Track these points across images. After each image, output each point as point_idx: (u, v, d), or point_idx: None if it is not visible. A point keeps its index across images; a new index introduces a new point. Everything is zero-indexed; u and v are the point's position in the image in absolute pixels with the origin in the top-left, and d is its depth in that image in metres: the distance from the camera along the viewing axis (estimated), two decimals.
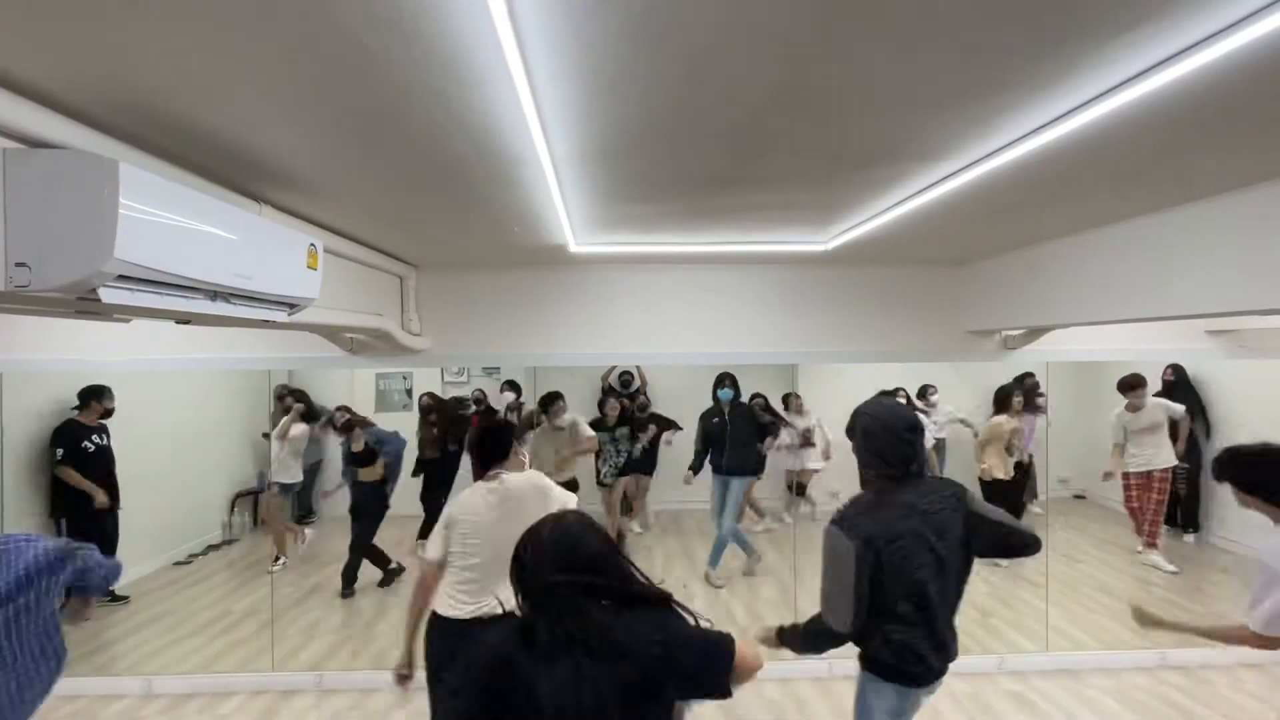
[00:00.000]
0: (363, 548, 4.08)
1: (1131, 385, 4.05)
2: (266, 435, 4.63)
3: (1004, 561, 4.23)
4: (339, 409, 4.22)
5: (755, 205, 2.24)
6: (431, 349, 3.47)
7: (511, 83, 1.18)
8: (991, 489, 4.11)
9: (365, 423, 4.20)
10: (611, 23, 1.00)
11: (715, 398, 4.27)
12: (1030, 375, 4.27)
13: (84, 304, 1.28)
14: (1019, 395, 4.22)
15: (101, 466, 3.67)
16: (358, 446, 4.10)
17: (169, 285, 1.32)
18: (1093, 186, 1.94)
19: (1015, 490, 4.20)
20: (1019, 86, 1.23)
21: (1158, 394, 4.29)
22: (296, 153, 1.59)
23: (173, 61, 1.11)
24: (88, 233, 1.12)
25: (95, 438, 3.66)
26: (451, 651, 2.05)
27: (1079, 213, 2.31)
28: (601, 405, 4.62)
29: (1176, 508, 4.38)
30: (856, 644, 1.81)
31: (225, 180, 1.76)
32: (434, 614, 2.13)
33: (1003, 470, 4.20)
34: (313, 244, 1.87)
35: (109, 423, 3.74)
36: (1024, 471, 4.27)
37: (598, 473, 4.54)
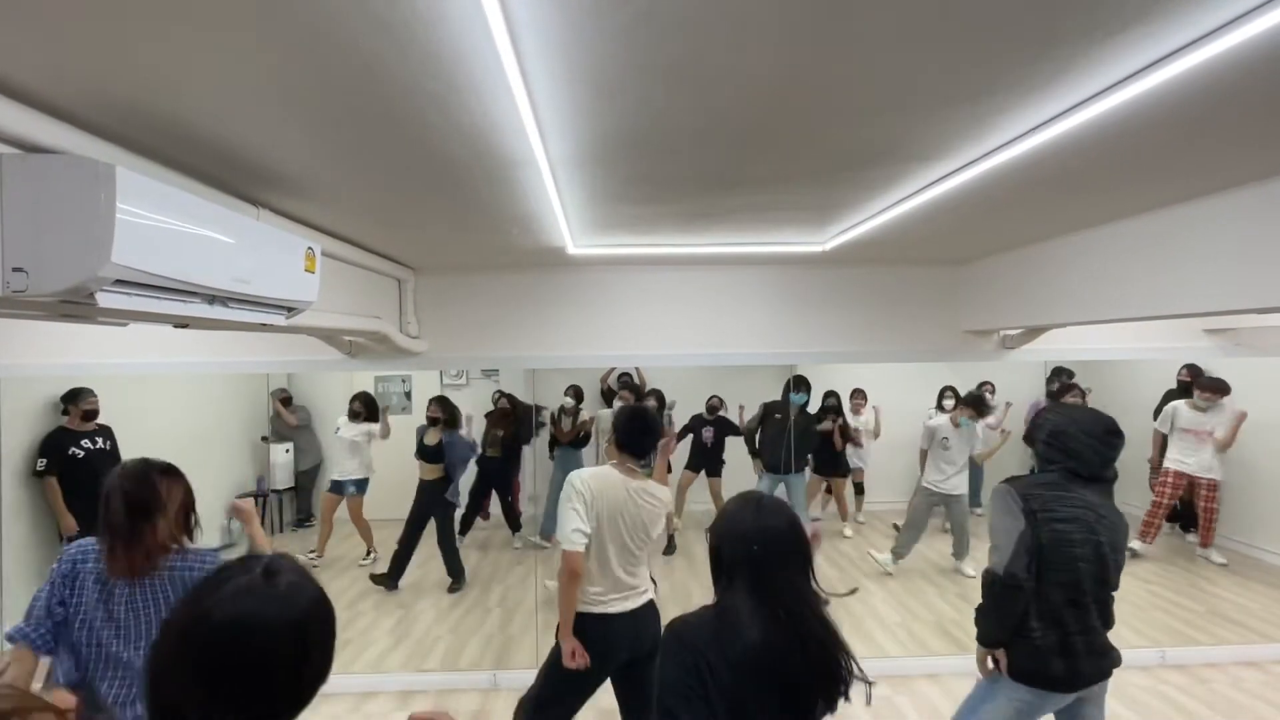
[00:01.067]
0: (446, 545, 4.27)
1: (1213, 389, 4.02)
2: (265, 439, 4.64)
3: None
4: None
5: (753, 206, 2.24)
6: (430, 351, 3.47)
7: (508, 85, 1.19)
8: None
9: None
10: (607, 25, 1.01)
11: (786, 398, 4.31)
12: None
13: (80, 309, 1.28)
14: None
15: (93, 473, 3.64)
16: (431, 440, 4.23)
17: (167, 289, 1.32)
18: (1089, 186, 1.95)
19: None
20: (1014, 87, 1.24)
21: (1173, 392, 4.29)
22: (294, 156, 1.59)
23: (170, 66, 1.11)
24: (85, 237, 1.12)
25: (86, 443, 3.58)
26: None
27: (1075, 212, 2.32)
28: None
29: (1184, 508, 4.39)
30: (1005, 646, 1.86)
31: (222, 184, 1.76)
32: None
33: None
34: (310, 247, 1.87)
35: (111, 426, 3.72)
36: None
37: None
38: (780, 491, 4.29)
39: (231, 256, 1.50)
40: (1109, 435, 1.81)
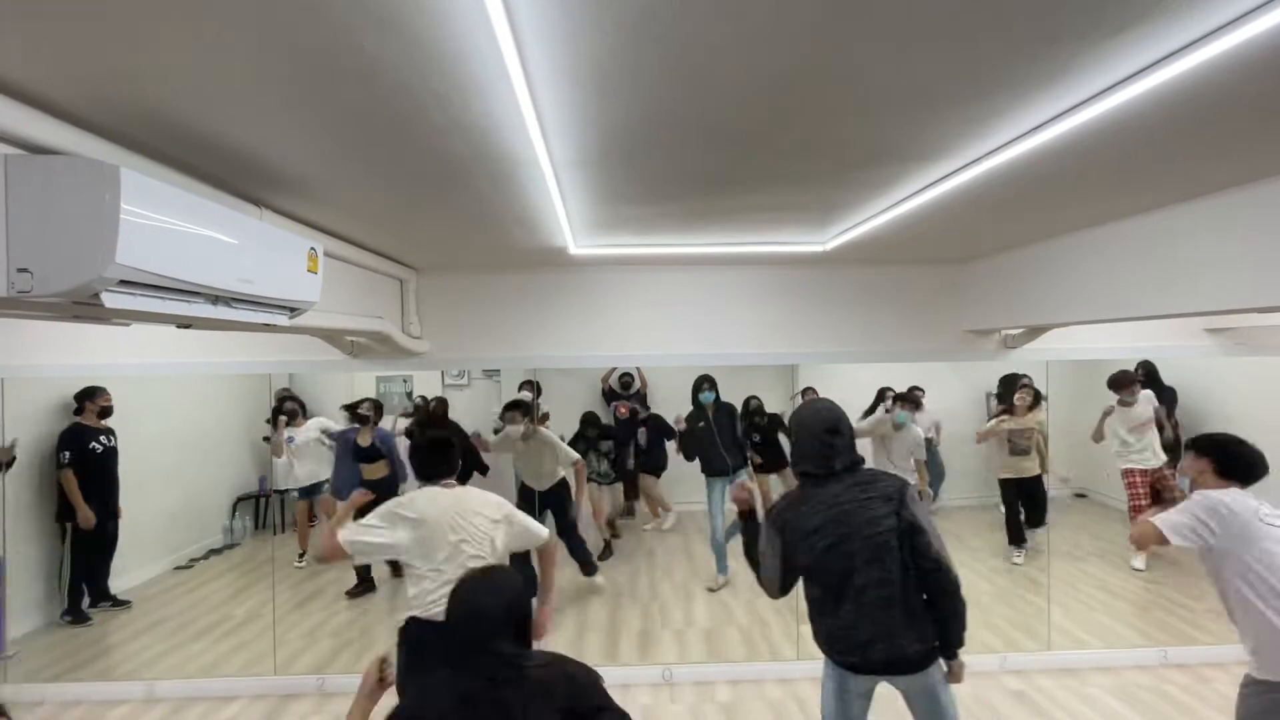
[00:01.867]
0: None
1: (1122, 383, 4.07)
2: (268, 439, 4.63)
3: (1019, 558, 4.25)
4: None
5: (754, 206, 2.25)
6: (432, 352, 3.47)
7: (510, 85, 1.19)
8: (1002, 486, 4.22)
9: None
10: (610, 25, 1.01)
11: (696, 401, 4.26)
12: (1025, 375, 4.33)
13: (85, 308, 1.28)
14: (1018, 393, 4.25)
15: (106, 470, 3.68)
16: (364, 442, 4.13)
17: (171, 290, 1.33)
18: (1090, 186, 1.95)
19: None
20: (1015, 87, 1.24)
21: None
22: (296, 157, 1.60)
23: (174, 67, 1.11)
24: (90, 238, 1.12)
25: (103, 439, 3.68)
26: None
27: (1076, 212, 2.32)
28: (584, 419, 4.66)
29: (1156, 502, 4.40)
30: None
31: (226, 185, 1.77)
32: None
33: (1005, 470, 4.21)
34: (313, 248, 1.87)
35: (113, 425, 3.75)
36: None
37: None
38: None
39: (234, 257, 1.51)
40: (826, 434, 1.86)
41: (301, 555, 4.34)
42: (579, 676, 1.32)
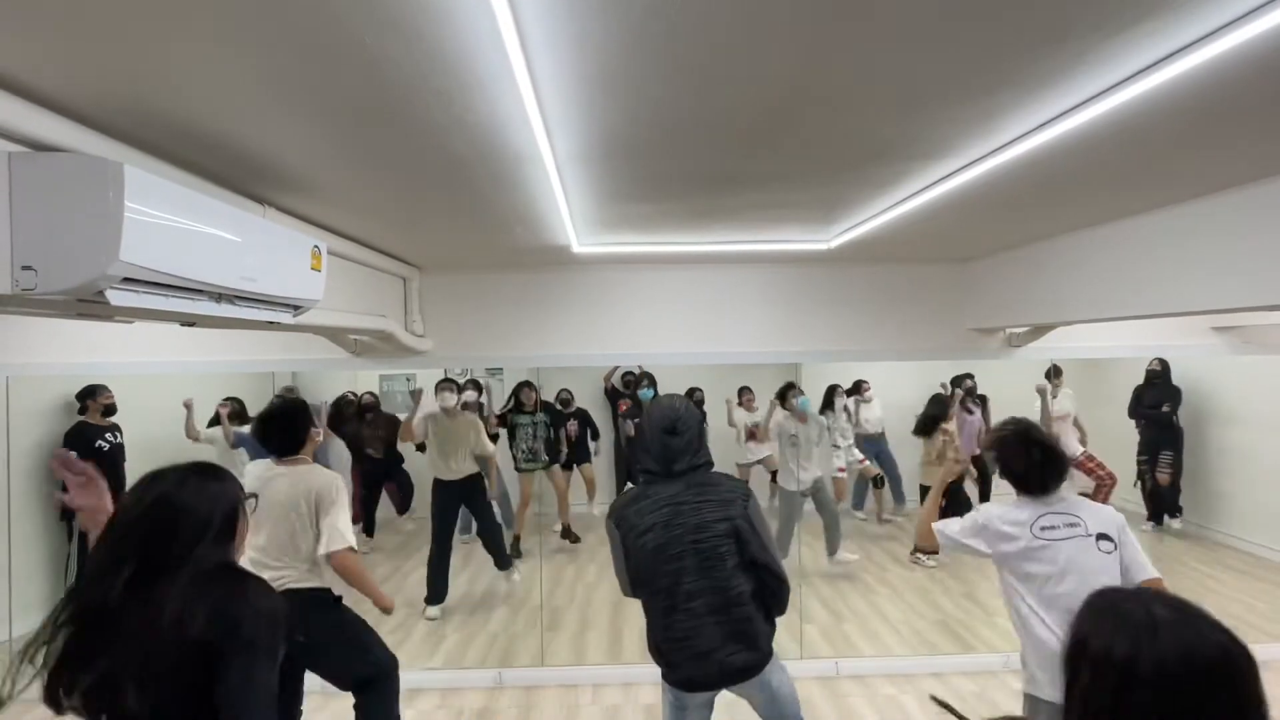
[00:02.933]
0: None
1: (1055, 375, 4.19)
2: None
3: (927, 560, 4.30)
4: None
5: (758, 204, 2.24)
6: (435, 350, 3.47)
7: (514, 83, 1.19)
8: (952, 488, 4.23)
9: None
10: (614, 22, 1.00)
11: (635, 398, 4.29)
12: (969, 376, 4.42)
13: (89, 306, 1.28)
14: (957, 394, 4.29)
15: (113, 468, 3.69)
16: None
17: (174, 287, 1.33)
18: (1096, 183, 1.94)
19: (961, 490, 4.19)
20: (1021, 83, 1.23)
21: (1140, 388, 4.31)
22: (300, 155, 1.59)
23: (176, 65, 1.11)
24: (93, 236, 1.12)
25: (109, 436, 3.69)
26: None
27: (1082, 210, 2.31)
28: (517, 392, 4.64)
29: (1160, 502, 4.41)
30: None
31: (229, 183, 1.77)
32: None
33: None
34: (316, 246, 1.87)
35: (117, 423, 3.76)
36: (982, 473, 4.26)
37: (514, 458, 4.57)
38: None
39: (238, 255, 1.51)
40: (664, 434, 1.79)
41: None
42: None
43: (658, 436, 1.80)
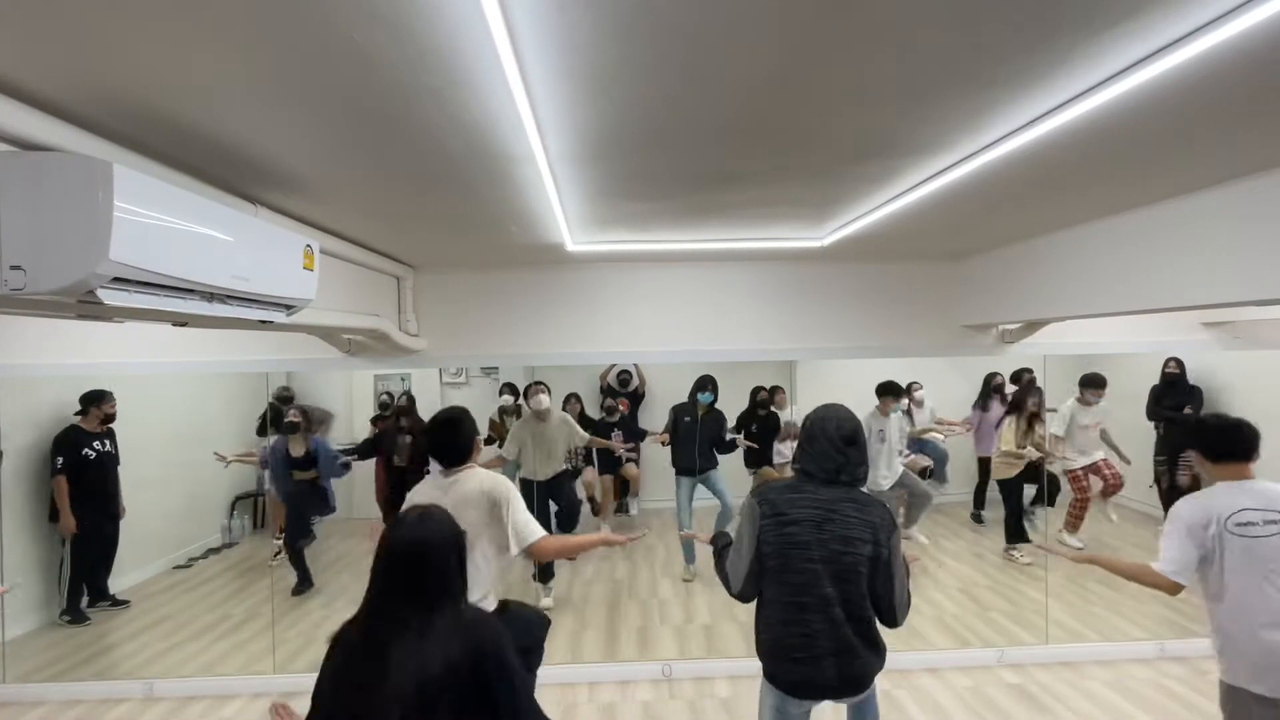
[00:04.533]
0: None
1: (1094, 384, 4.24)
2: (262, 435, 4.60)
3: (1021, 556, 4.27)
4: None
5: (751, 202, 2.24)
6: (429, 349, 3.47)
7: (505, 81, 1.18)
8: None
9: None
10: (604, 19, 1.00)
11: (693, 399, 4.28)
12: (997, 374, 4.47)
13: (79, 306, 1.28)
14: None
15: (101, 474, 3.66)
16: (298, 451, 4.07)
17: (166, 287, 1.32)
18: (1086, 179, 1.95)
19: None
20: (1012, 80, 1.24)
21: (1157, 387, 4.32)
22: (291, 153, 1.59)
23: (166, 62, 1.10)
24: (82, 235, 1.12)
25: (97, 444, 3.65)
26: None
27: (1073, 206, 2.32)
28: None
29: (1176, 498, 4.40)
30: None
31: (220, 182, 1.76)
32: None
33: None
34: (309, 245, 1.87)
35: (111, 428, 3.73)
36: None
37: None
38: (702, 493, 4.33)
39: (230, 254, 1.50)
40: (844, 444, 1.79)
41: (276, 554, 4.30)
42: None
43: (837, 445, 1.79)
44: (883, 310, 3.55)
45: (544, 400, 4.00)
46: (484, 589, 2.07)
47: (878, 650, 1.81)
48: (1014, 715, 3.00)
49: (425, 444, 2.16)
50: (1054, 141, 1.54)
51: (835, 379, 4.76)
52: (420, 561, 1.27)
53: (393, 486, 4.33)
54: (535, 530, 2.08)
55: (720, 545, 2.00)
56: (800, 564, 1.74)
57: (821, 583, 1.73)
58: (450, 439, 2.11)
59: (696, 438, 4.23)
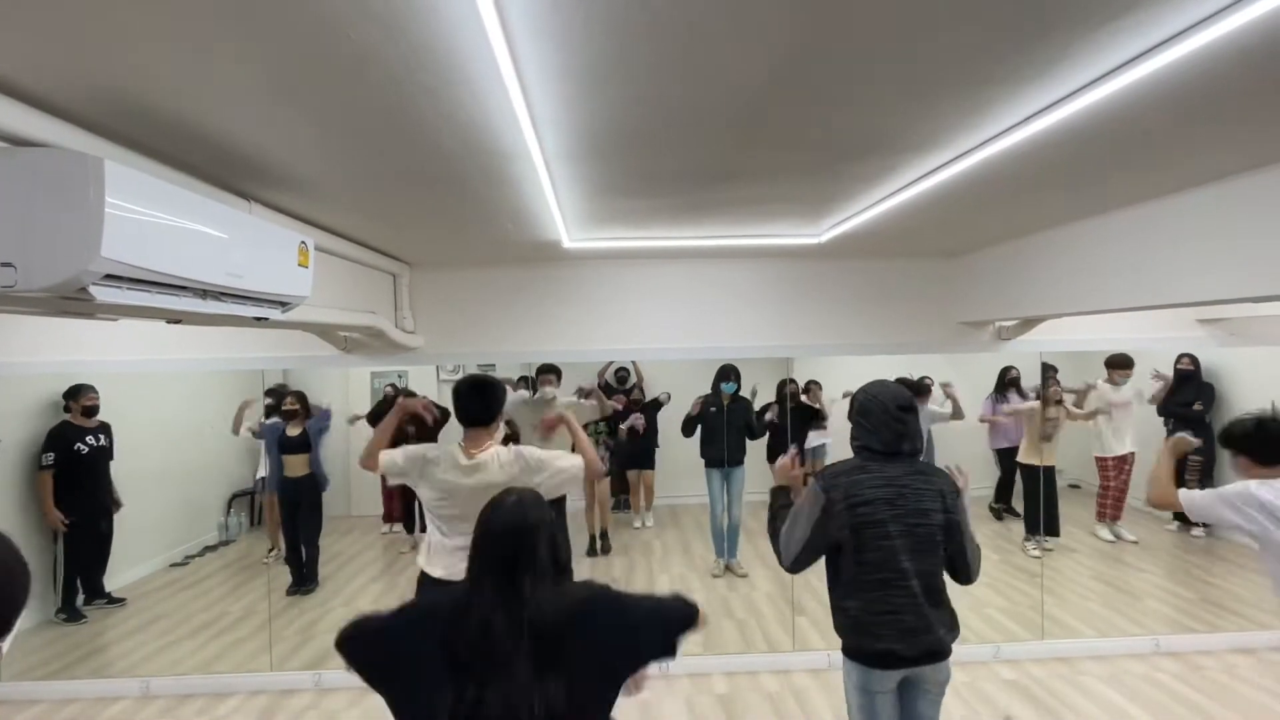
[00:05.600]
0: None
1: (1120, 365, 4.22)
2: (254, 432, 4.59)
3: (1034, 551, 4.27)
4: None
5: (748, 199, 2.24)
6: (425, 347, 3.46)
7: (500, 77, 1.18)
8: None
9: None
10: (600, 15, 1.00)
11: (717, 388, 4.28)
12: (1012, 367, 4.45)
13: (71, 303, 1.27)
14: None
15: (92, 469, 3.64)
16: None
17: (159, 284, 1.31)
18: (1082, 176, 1.95)
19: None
20: (1008, 76, 1.23)
21: (1172, 384, 4.34)
22: (285, 150, 1.58)
23: (157, 57, 1.09)
24: (74, 232, 1.11)
25: (90, 439, 3.64)
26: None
27: (1068, 203, 2.32)
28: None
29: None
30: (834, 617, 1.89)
31: (213, 178, 1.75)
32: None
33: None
34: (304, 242, 1.86)
35: (107, 422, 3.72)
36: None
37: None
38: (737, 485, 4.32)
39: (224, 251, 1.49)
40: (900, 410, 1.81)
41: (270, 550, 4.30)
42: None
43: (894, 414, 1.80)
44: (879, 307, 3.55)
45: (549, 391, 3.96)
46: None
47: (953, 620, 1.84)
48: (1010, 711, 3.01)
49: (455, 405, 2.18)
50: (1050, 138, 1.54)
51: (833, 376, 4.77)
52: (521, 540, 1.24)
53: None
54: (572, 461, 2.15)
55: (778, 504, 2.00)
56: (878, 542, 1.76)
57: (899, 557, 1.76)
58: (480, 401, 2.17)
59: (724, 428, 4.23)
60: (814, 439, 4.70)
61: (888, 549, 1.76)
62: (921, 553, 1.78)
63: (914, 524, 1.77)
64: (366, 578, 4.41)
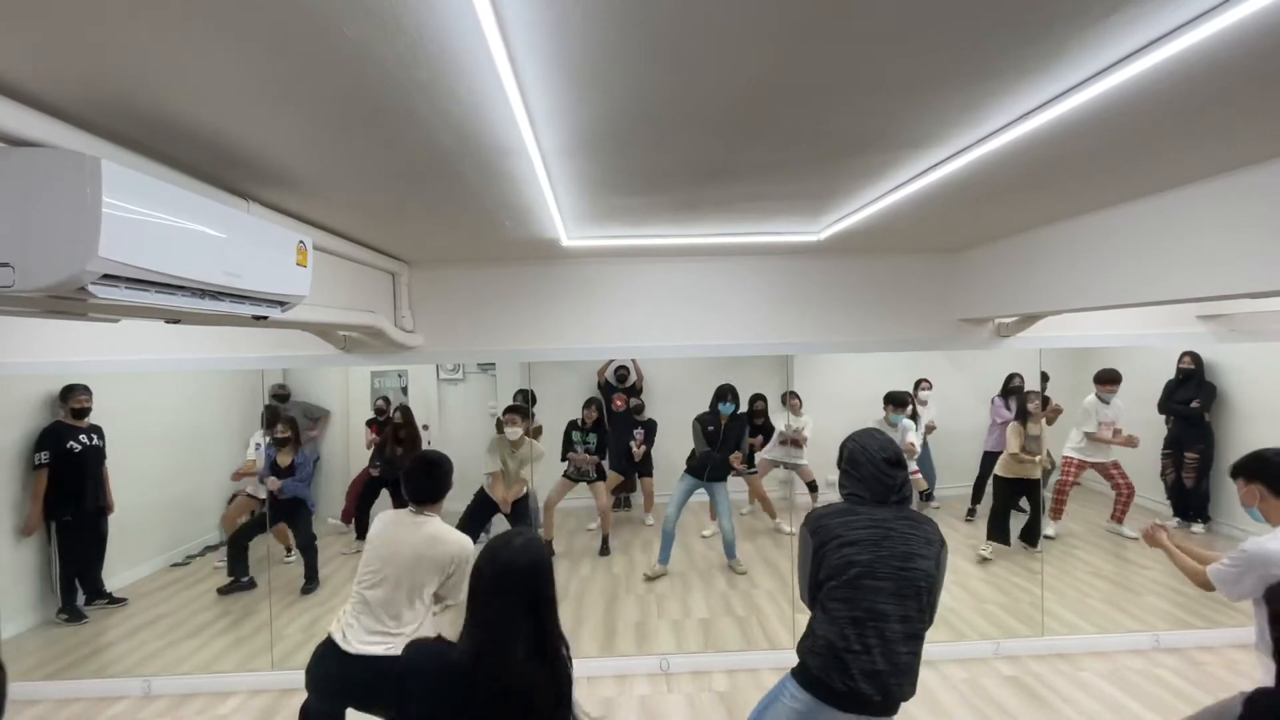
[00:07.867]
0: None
1: (1109, 380, 4.19)
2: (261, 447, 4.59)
3: (985, 551, 4.29)
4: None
5: (746, 196, 2.24)
6: (425, 346, 3.46)
7: (497, 74, 1.18)
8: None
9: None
10: (597, 11, 1.00)
11: (715, 409, 4.29)
12: (1017, 375, 4.42)
13: (67, 304, 1.27)
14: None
15: (82, 469, 3.63)
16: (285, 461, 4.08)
17: (157, 284, 1.31)
18: (1080, 172, 1.95)
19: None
20: (1006, 72, 1.23)
21: (1173, 382, 4.33)
22: (282, 148, 1.58)
23: (155, 58, 1.09)
24: (71, 232, 1.11)
25: (83, 438, 3.62)
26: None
27: (1067, 199, 2.32)
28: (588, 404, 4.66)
29: (1185, 499, 4.39)
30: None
31: (211, 178, 1.75)
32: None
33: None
34: (302, 241, 1.86)
35: (104, 424, 3.72)
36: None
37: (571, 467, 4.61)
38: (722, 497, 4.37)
39: (222, 250, 1.49)
40: (889, 466, 1.82)
41: (289, 550, 4.31)
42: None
43: (881, 467, 1.82)
44: (879, 304, 3.55)
45: (515, 432, 3.97)
46: (414, 625, 2.16)
47: (914, 681, 1.81)
48: (1009, 707, 3.01)
49: (406, 482, 2.22)
50: (1047, 135, 1.54)
51: (832, 374, 4.77)
52: (531, 581, 1.38)
53: (367, 485, 4.49)
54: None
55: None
56: (859, 580, 1.75)
57: (880, 599, 1.75)
58: (426, 480, 2.22)
59: (718, 447, 4.26)
60: (780, 453, 4.76)
61: (870, 590, 1.75)
62: (904, 597, 1.76)
63: (900, 568, 1.76)
64: None
